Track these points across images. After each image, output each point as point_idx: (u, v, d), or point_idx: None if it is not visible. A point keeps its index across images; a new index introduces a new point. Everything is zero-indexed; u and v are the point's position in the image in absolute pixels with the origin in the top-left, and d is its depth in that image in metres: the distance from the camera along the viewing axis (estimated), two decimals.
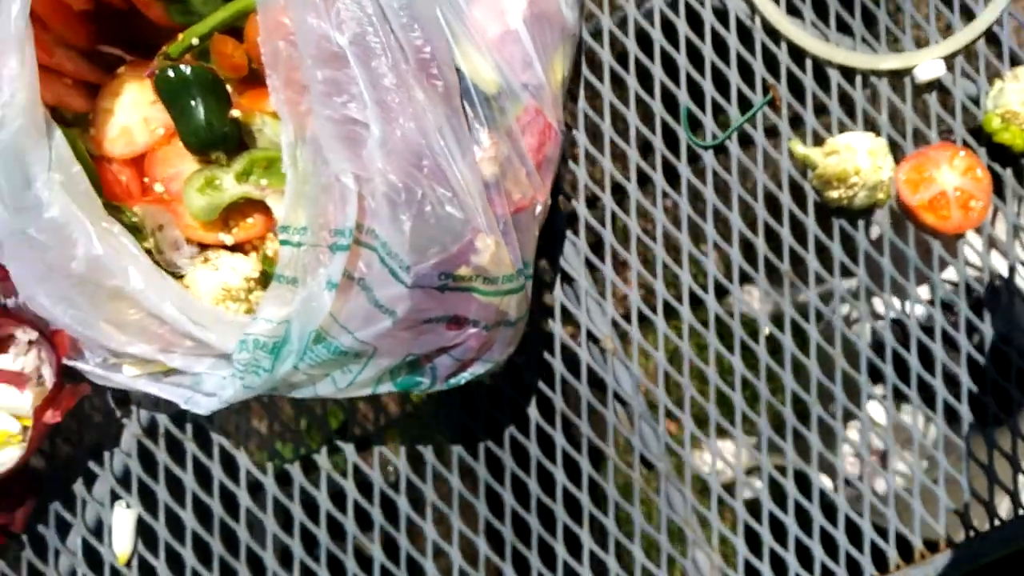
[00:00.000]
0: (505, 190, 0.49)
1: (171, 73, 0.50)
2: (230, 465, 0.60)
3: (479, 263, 0.46)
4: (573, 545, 0.61)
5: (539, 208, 0.52)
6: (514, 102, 0.50)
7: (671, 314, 0.61)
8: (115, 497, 0.60)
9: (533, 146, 0.52)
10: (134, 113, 0.53)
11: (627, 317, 0.61)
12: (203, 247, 0.53)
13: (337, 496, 0.61)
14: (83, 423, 0.60)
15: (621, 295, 0.62)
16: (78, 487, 0.60)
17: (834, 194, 0.60)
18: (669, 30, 0.62)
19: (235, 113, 0.51)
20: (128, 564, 0.59)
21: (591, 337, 0.61)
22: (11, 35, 0.46)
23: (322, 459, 0.60)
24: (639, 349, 0.61)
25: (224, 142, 0.51)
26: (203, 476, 0.60)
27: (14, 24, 0.46)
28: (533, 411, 0.60)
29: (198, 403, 0.52)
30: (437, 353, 0.49)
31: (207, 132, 0.51)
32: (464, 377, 0.50)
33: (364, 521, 0.61)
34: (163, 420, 0.60)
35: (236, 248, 0.53)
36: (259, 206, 0.53)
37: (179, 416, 0.60)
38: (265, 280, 0.52)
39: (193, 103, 0.51)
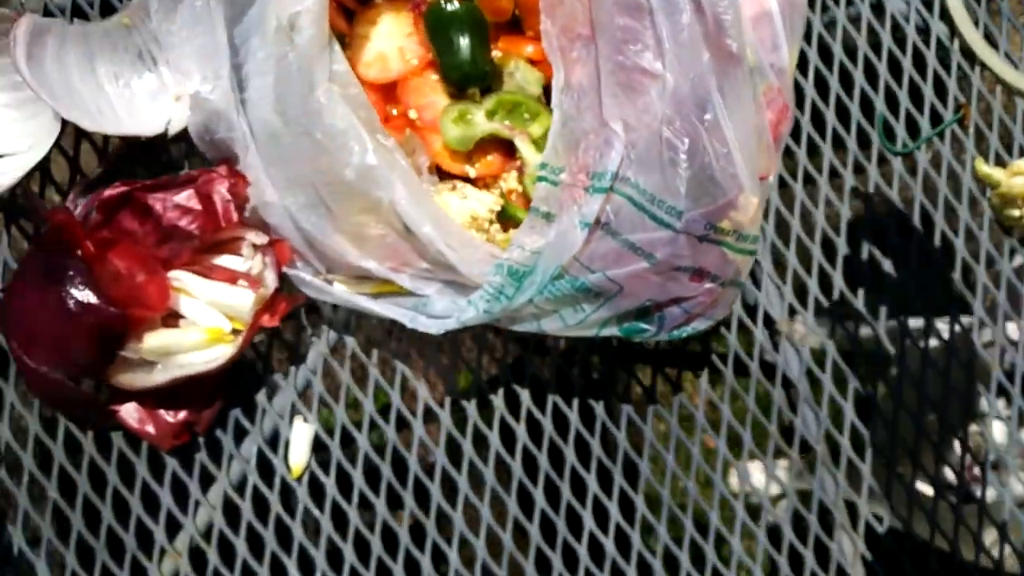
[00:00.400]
0: None
1: (444, 8, 0.53)
2: (411, 395, 0.62)
3: (738, 219, 0.48)
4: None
5: (771, 180, 0.54)
6: (761, 79, 0.53)
7: (845, 303, 0.64)
8: (294, 412, 0.61)
9: (772, 122, 0.54)
10: (390, 41, 0.55)
11: (803, 303, 0.64)
12: (443, 177, 0.55)
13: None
14: (273, 335, 0.61)
15: (799, 283, 0.64)
16: (260, 397, 0.61)
17: (1015, 213, 0.63)
18: (874, 38, 0.65)
19: (496, 54, 0.54)
20: (299, 480, 0.61)
21: (767, 318, 0.64)
22: None
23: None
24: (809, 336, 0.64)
25: (482, 79, 0.54)
26: (384, 405, 0.62)
27: None
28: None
29: (426, 324, 0.53)
30: (670, 303, 0.51)
31: (471, 67, 0.53)
32: (686, 331, 0.53)
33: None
34: (351, 343, 0.61)
35: (473, 182, 0.55)
36: (499, 145, 0.55)
37: (368, 341, 0.61)
38: (501, 217, 0.54)
39: (460, 39, 0.53)
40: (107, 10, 0.60)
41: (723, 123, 0.48)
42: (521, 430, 0.62)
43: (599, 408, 0.62)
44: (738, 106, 0.49)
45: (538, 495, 0.62)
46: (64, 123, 0.55)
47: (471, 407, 0.62)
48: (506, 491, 0.63)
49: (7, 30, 0.55)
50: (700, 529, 0.64)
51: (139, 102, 0.57)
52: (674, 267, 0.49)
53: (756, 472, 0.66)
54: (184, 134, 0.57)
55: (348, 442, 0.62)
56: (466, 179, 0.55)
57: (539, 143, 0.54)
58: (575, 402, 0.62)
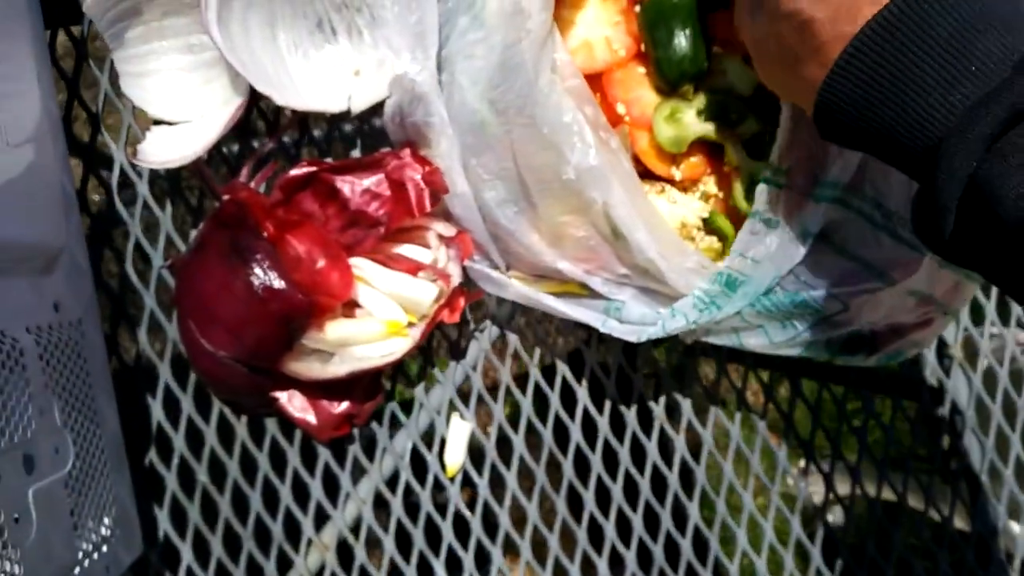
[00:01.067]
0: None
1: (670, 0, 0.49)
2: (569, 396, 0.59)
3: None
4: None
5: None
6: None
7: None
8: (451, 408, 0.59)
9: None
10: (597, 29, 0.52)
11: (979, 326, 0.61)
12: (644, 177, 0.52)
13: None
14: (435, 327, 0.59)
15: (975, 305, 0.62)
16: (417, 391, 0.58)
17: None
18: None
19: (716, 51, 0.51)
20: (452, 479, 0.58)
21: (941, 343, 0.62)
22: None
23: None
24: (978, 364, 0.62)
25: (700, 77, 0.51)
26: (542, 402, 0.59)
27: None
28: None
29: (621, 331, 0.51)
30: (889, 326, 0.49)
31: (690, 64, 0.50)
32: (898, 356, 0.50)
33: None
34: (513, 340, 0.59)
35: (674, 183, 0.53)
36: (703, 146, 0.52)
37: (529, 340, 0.59)
38: (707, 225, 0.52)
39: (681, 33, 0.50)
40: None
41: None
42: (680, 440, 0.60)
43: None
44: None
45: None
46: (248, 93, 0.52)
47: (630, 413, 0.60)
48: (660, 503, 0.61)
49: None
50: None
51: (318, 74, 0.54)
52: (909, 290, 0.46)
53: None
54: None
55: (504, 443, 0.60)
56: (670, 181, 0.52)
57: (750, 148, 0.51)
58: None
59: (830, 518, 0.64)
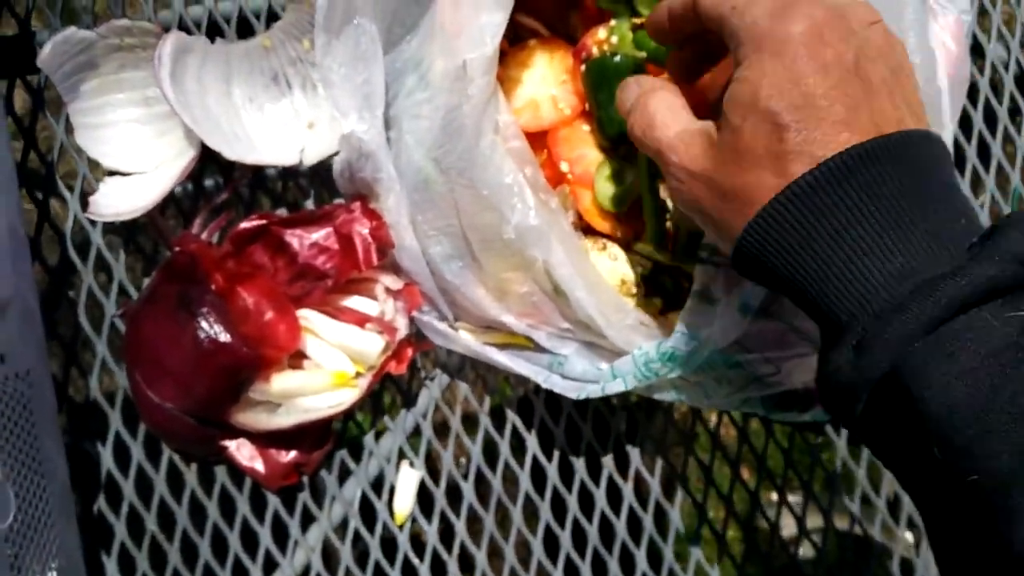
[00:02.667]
0: None
1: (610, 60, 0.51)
2: (519, 445, 0.60)
3: None
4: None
5: None
6: None
7: None
8: (401, 456, 0.59)
9: None
10: (543, 88, 0.53)
11: None
12: (587, 233, 0.53)
13: None
14: (384, 376, 0.59)
15: None
16: (368, 439, 0.59)
17: None
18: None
19: None
20: (401, 527, 0.59)
21: None
22: None
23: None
24: None
25: None
26: (491, 453, 0.60)
27: None
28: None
29: (562, 386, 0.52)
30: None
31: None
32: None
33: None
34: (463, 388, 0.59)
35: (616, 240, 0.54)
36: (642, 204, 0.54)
37: (479, 388, 0.60)
38: (646, 282, 0.53)
39: None
40: (244, 26, 0.58)
41: None
42: (628, 488, 0.61)
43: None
44: None
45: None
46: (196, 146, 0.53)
47: (579, 463, 0.60)
48: (608, 551, 0.61)
49: (147, 44, 0.53)
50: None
51: (272, 128, 0.55)
52: None
53: None
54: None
55: (453, 491, 0.60)
56: (612, 238, 0.53)
57: None
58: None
59: (801, 551, 0.65)
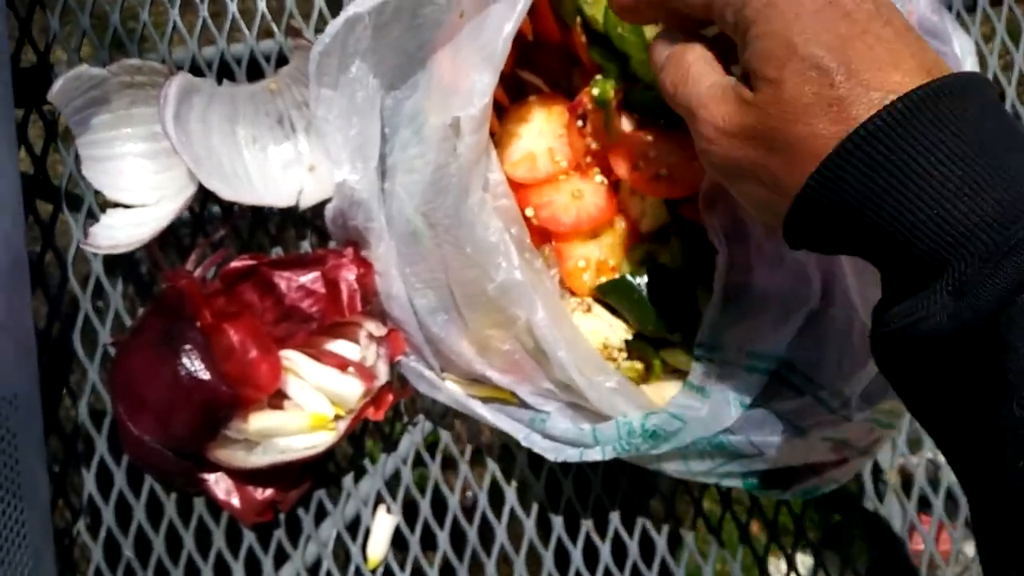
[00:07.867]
0: None
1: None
2: (498, 496, 0.60)
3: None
4: None
5: None
6: None
7: None
8: (379, 500, 0.59)
9: None
10: (540, 141, 0.54)
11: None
12: (572, 294, 0.53)
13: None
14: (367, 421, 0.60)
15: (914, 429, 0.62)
16: (347, 480, 0.59)
17: None
18: None
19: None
20: (374, 572, 0.59)
21: (876, 468, 0.61)
22: (497, 52, 0.46)
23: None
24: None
25: None
26: (467, 503, 0.60)
27: (503, 42, 0.46)
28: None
29: (542, 446, 0.51)
30: (806, 468, 0.49)
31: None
32: (816, 492, 0.50)
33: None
34: (445, 437, 0.60)
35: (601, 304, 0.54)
36: None
37: (459, 437, 0.60)
38: (630, 344, 0.52)
39: None
40: (254, 68, 0.59)
41: None
42: (605, 549, 0.60)
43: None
44: None
45: None
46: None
47: (557, 520, 0.60)
48: None
49: (156, 82, 0.54)
50: None
51: (273, 169, 0.56)
52: (823, 436, 0.47)
53: None
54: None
55: (428, 538, 0.60)
56: (596, 299, 0.53)
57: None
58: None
59: None
